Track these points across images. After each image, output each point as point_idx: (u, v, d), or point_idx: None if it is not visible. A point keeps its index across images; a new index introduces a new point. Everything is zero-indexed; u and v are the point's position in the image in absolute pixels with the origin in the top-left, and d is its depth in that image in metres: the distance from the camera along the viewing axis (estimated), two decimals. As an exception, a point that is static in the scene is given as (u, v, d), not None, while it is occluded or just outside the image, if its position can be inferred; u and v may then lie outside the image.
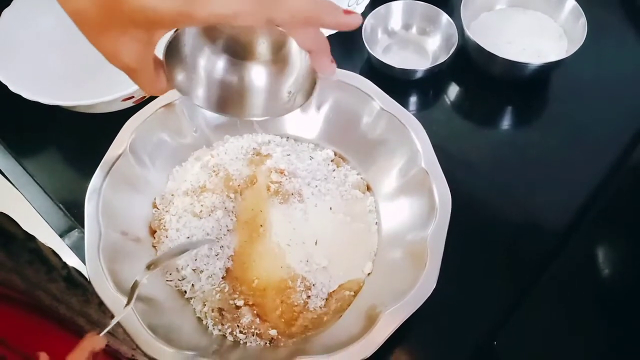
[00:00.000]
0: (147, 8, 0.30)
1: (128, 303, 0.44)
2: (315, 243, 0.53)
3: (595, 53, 0.73)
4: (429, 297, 0.45)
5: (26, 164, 0.65)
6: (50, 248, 0.65)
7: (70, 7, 0.32)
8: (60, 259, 0.65)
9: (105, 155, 0.54)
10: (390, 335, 0.44)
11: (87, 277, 0.48)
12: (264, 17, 0.32)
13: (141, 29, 0.32)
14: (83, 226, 0.51)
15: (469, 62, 0.70)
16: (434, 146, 0.54)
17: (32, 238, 0.63)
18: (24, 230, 0.62)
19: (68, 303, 0.59)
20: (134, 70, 0.35)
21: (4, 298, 0.50)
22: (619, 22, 0.79)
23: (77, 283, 0.63)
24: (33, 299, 0.54)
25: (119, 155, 0.53)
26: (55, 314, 0.56)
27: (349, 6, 0.72)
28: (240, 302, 0.50)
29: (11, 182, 0.64)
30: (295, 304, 0.50)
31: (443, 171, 0.52)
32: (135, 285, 0.45)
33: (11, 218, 0.62)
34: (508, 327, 0.54)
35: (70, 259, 0.64)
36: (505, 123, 0.68)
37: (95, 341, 0.39)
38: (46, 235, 0.64)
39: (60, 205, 0.61)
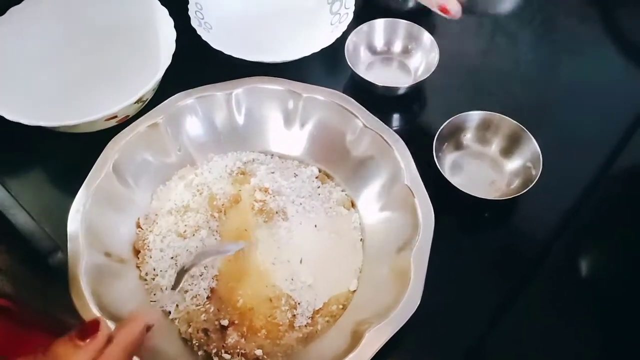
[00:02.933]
0: None
1: (175, 287, 0.49)
2: (300, 261, 0.53)
3: (575, 66, 0.75)
4: (415, 310, 0.46)
5: (8, 184, 0.64)
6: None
7: None
8: None
9: (88, 176, 0.54)
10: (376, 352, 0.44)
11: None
12: None
13: None
14: (66, 247, 0.50)
15: (450, 78, 0.71)
16: (416, 162, 0.55)
17: (55, 251, 0.63)
18: (48, 243, 0.62)
19: None
20: None
21: (23, 321, 0.50)
22: (599, 34, 0.81)
23: None
24: (53, 321, 0.54)
25: (102, 175, 0.53)
26: None
27: (331, 24, 0.73)
28: (225, 322, 0.50)
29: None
30: (281, 323, 0.50)
31: (426, 187, 0.53)
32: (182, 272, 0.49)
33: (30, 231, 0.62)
34: (495, 337, 0.55)
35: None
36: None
37: (151, 315, 0.39)
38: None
39: (43, 225, 0.60)
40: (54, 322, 0.54)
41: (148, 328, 0.39)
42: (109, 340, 0.35)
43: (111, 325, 0.44)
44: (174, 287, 0.49)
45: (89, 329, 0.34)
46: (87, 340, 0.33)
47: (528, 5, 0.84)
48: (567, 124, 0.70)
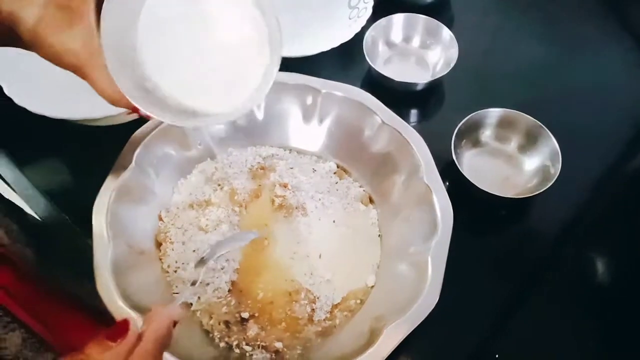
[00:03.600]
0: None
1: (194, 284, 0.48)
2: (319, 256, 0.54)
3: (594, 65, 0.74)
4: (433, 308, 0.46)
5: (32, 176, 0.65)
6: None
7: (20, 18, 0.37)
8: None
9: (112, 169, 0.54)
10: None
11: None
12: None
13: (73, 12, 0.38)
14: (89, 238, 0.51)
15: (469, 74, 0.71)
16: (435, 159, 0.55)
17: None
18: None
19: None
20: (83, 64, 0.39)
21: (47, 288, 0.52)
22: (619, 32, 0.80)
23: None
24: (69, 293, 0.56)
25: (126, 169, 0.54)
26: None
27: (350, 19, 0.74)
28: (246, 315, 0.51)
29: (17, 193, 0.65)
30: (300, 316, 0.51)
31: (444, 184, 0.53)
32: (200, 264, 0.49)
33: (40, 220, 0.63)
34: (510, 336, 0.55)
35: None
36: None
37: (176, 311, 0.39)
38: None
39: (67, 216, 0.62)
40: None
41: (174, 323, 0.40)
42: (139, 338, 0.36)
43: (135, 315, 0.46)
44: (193, 283, 0.49)
45: (119, 329, 0.35)
46: (118, 341, 0.34)
47: (550, 2, 0.83)
48: (585, 122, 0.70)
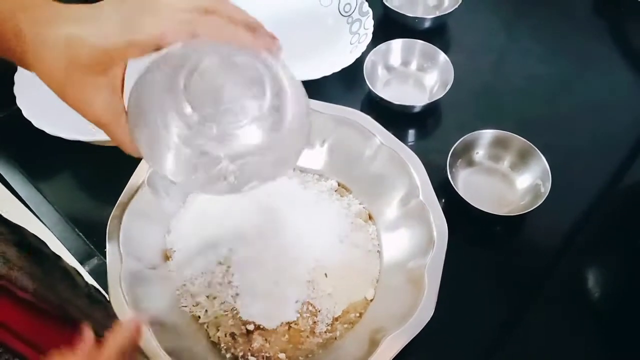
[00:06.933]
0: (94, 46, 0.33)
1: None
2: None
3: (586, 82, 0.77)
4: (428, 320, 0.49)
5: (46, 193, 0.68)
6: (74, 268, 0.68)
7: (43, 68, 0.35)
8: (82, 277, 0.68)
9: (125, 188, 0.57)
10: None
11: (105, 296, 0.50)
12: (185, 33, 0.33)
13: (99, 73, 0.34)
14: (102, 253, 0.54)
15: (464, 95, 0.74)
16: (431, 178, 0.58)
17: (59, 257, 0.66)
18: (52, 251, 0.66)
19: (93, 317, 0.61)
20: (106, 123, 0.37)
21: (42, 311, 0.53)
22: (609, 50, 0.83)
23: (98, 300, 0.66)
24: (64, 313, 0.57)
25: (138, 188, 0.57)
26: None
27: (351, 44, 0.77)
28: (251, 327, 0.54)
29: (32, 211, 0.68)
30: (302, 329, 0.54)
31: (440, 202, 0.56)
32: None
33: (41, 239, 0.65)
34: (503, 348, 0.58)
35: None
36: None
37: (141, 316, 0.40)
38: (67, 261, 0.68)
39: (80, 233, 0.64)
40: (72, 319, 0.58)
41: (138, 330, 0.40)
42: (100, 345, 0.36)
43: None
44: None
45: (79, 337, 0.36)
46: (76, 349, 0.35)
47: (539, 22, 0.86)
48: (577, 140, 0.73)
